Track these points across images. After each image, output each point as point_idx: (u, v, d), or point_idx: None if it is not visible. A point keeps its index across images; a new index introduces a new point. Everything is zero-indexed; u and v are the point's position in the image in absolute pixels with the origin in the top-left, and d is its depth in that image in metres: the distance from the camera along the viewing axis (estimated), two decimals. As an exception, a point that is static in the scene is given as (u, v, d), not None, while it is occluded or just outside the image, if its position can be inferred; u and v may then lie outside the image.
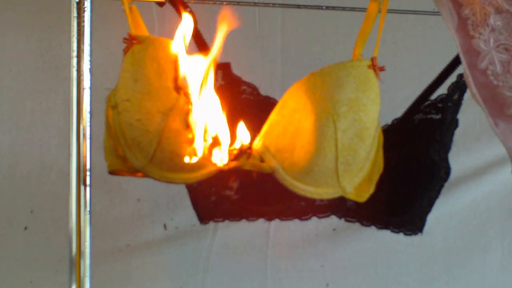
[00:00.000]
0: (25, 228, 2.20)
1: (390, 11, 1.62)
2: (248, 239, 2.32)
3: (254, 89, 1.78)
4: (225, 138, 1.48)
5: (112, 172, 1.62)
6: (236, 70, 1.78)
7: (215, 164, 1.49)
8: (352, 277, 2.39)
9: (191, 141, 1.46)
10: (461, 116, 1.82)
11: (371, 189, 1.61)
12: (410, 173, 1.80)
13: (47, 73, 2.18)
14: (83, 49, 1.51)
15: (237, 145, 1.52)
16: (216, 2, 1.80)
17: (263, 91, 1.79)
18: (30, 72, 2.18)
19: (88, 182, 1.50)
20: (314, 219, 1.87)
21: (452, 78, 1.81)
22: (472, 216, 2.41)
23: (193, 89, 1.45)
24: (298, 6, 2.01)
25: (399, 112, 1.86)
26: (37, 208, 2.20)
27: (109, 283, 2.23)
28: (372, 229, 1.91)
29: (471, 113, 1.96)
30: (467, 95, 1.74)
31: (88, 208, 1.50)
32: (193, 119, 1.45)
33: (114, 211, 2.24)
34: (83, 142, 1.51)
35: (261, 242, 2.32)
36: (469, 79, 1.43)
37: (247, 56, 2.23)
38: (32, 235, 2.20)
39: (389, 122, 1.84)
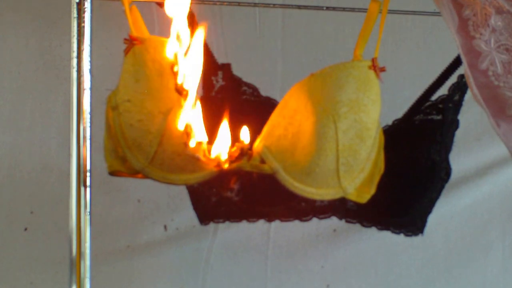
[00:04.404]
0: (25, 229, 2.20)
1: (391, 11, 1.62)
2: (249, 240, 2.31)
3: (254, 90, 1.78)
4: (225, 139, 1.48)
5: (112, 173, 1.61)
6: (237, 71, 1.77)
7: (215, 165, 1.49)
8: (353, 278, 2.39)
9: (192, 142, 1.46)
10: (462, 116, 1.82)
11: (372, 190, 1.61)
12: (411, 174, 1.79)
13: (47, 74, 2.18)
14: (83, 50, 1.51)
15: (237, 146, 1.52)
16: (216, 2, 1.80)
17: (264, 92, 1.79)
18: (30, 73, 2.18)
19: (88, 183, 1.50)
20: (315, 220, 1.87)
21: (452, 79, 1.80)
22: (473, 217, 2.41)
23: (193, 90, 1.44)
24: (299, 7, 2.01)
25: (399, 113, 1.85)
26: (37, 209, 2.19)
27: (109, 284, 2.22)
28: (373, 230, 1.91)
29: (472, 114, 1.96)
30: (468, 96, 1.74)
31: (88, 209, 1.50)
32: (193, 120, 1.44)
33: (114, 212, 2.23)
34: (83, 143, 1.51)
35: (261, 243, 2.32)
36: (470, 80, 1.43)
37: (248, 56, 2.23)
38: (32, 236, 2.20)
39: (390, 122, 1.84)
